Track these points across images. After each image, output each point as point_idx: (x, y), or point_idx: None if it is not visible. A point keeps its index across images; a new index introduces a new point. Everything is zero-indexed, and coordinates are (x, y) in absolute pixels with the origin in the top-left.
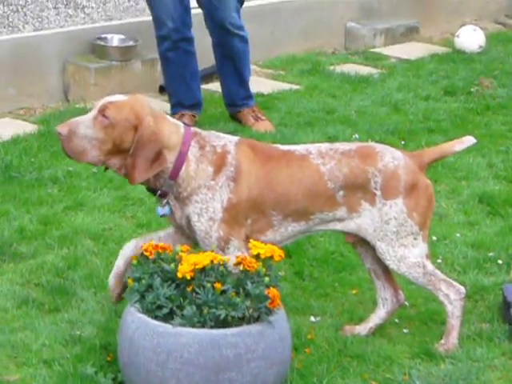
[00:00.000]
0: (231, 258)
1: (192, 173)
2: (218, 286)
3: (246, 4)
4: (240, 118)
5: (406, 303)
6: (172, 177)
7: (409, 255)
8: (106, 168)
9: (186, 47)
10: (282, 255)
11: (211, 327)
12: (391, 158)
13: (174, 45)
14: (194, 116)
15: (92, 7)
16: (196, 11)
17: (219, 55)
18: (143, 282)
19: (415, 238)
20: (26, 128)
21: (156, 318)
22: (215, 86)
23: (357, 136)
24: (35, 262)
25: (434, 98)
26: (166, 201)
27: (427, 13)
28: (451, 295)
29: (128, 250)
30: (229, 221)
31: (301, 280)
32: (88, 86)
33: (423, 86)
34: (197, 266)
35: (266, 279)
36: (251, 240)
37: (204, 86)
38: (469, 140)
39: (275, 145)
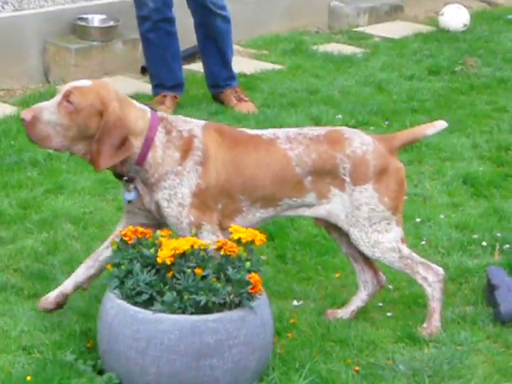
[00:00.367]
0: (207, 242)
1: (159, 159)
2: (198, 271)
3: None
4: (222, 99)
5: (390, 286)
6: (138, 163)
7: (383, 240)
8: (71, 153)
9: (167, 28)
10: (264, 239)
11: (192, 313)
12: (360, 143)
13: (154, 25)
14: (175, 97)
15: None
16: None
17: (201, 35)
18: (122, 267)
19: (388, 223)
20: (6, 110)
21: (136, 304)
22: (197, 67)
23: (340, 117)
24: (14, 246)
25: (418, 78)
26: (132, 186)
27: None
28: (429, 278)
29: (80, 271)
30: (199, 206)
31: (283, 263)
32: (69, 67)
33: (407, 66)
34: (177, 251)
35: (248, 264)
36: (232, 225)
37: (186, 67)
38: (440, 124)
39: (242, 129)
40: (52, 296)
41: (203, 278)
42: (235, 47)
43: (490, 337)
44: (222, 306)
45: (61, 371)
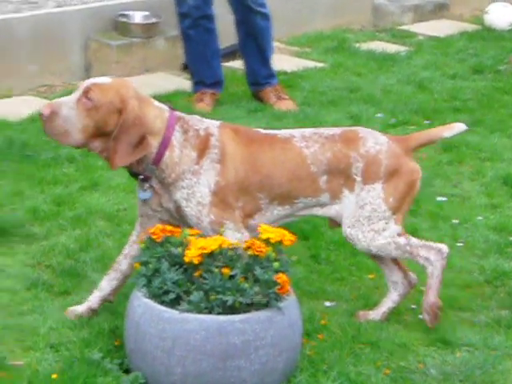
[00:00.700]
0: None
1: (176, 158)
2: (225, 271)
3: None
4: (262, 97)
5: (424, 288)
6: (155, 162)
7: (378, 238)
8: (89, 150)
9: (207, 25)
10: (293, 239)
11: (218, 313)
12: (374, 142)
13: (194, 22)
14: (215, 94)
15: None
16: None
17: (242, 33)
18: (150, 266)
19: (386, 223)
20: None
21: (163, 303)
22: (238, 64)
23: (380, 115)
24: (47, 243)
25: (461, 77)
26: (148, 185)
27: None
28: (431, 257)
29: (104, 284)
30: (219, 204)
31: (317, 263)
32: (110, 64)
33: (451, 64)
34: (204, 251)
35: (276, 264)
36: (260, 225)
37: (226, 64)
38: (459, 127)
39: (257, 129)
40: (79, 310)
41: (231, 277)
42: (278, 44)
43: None
44: (249, 307)
45: (87, 369)
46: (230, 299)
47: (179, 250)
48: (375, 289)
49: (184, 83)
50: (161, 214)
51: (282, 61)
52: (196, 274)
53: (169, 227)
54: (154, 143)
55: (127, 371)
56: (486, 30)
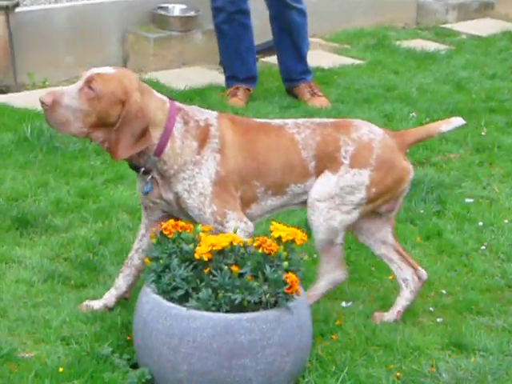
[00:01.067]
0: (237, 231)
1: (177, 149)
2: (234, 268)
3: None
4: (296, 93)
5: (443, 291)
6: (156, 153)
7: (336, 219)
8: (90, 141)
9: (242, 19)
10: (305, 238)
11: (226, 311)
12: (368, 131)
13: (229, 17)
14: (248, 90)
15: None
16: None
17: (276, 28)
18: (161, 261)
19: (354, 209)
20: None
21: (171, 299)
22: (274, 60)
23: (414, 114)
24: (67, 235)
25: (500, 77)
26: (150, 177)
27: None
28: (335, 277)
29: (119, 282)
30: (220, 194)
31: None
32: (147, 56)
33: (491, 64)
34: (214, 248)
35: (285, 264)
36: (273, 223)
37: (262, 59)
38: (457, 121)
39: (252, 118)
40: (95, 307)
41: (240, 275)
42: (319, 41)
43: None
44: (257, 306)
45: (95, 364)
46: (238, 297)
47: (190, 246)
48: (394, 290)
49: (219, 77)
50: (161, 206)
51: (320, 57)
52: (205, 270)
53: (181, 223)
54: (155, 134)
55: (135, 366)
56: None
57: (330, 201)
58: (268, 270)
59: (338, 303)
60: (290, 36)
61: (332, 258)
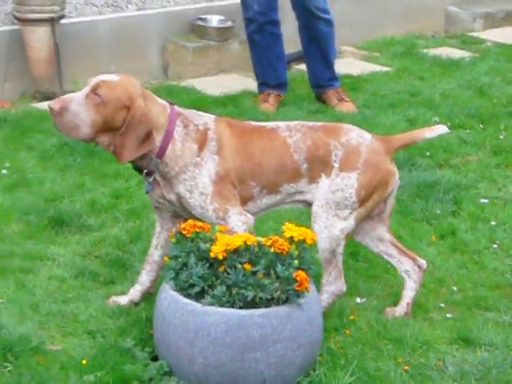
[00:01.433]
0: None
1: (178, 152)
2: (247, 267)
3: None
4: (324, 99)
5: (455, 288)
6: (158, 156)
7: (336, 225)
8: (96, 144)
9: (272, 29)
10: (315, 238)
11: (240, 308)
12: (357, 135)
13: (259, 27)
14: (279, 96)
15: None
16: None
17: (305, 38)
18: (180, 260)
19: (350, 213)
20: None
21: (188, 296)
22: (305, 67)
23: (436, 119)
24: (99, 234)
25: None
26: (152, 178)
27: None
28: (337, 288)
29: (143, 278)
30: (221, 192)
31: (354, 261)
32: (186, 65)
33: None
34: (229, 247)
35: (295, 262)
36: (285, 223)
37: (295, 67)
38: (441, 128)
39: (247, 122)
40: (121, 302)
41: (253, 273)
42: (350, 49)
43: None
44: (269, 302)
45: (117, 357)
46: (250, 294)
47: (207, 245)
48: None
49: (253, 84)
50: (165, 206)
51: (350, 64)
52: (220, 269)
53: (199, 223)
54: (157, 138)
55: (156, 359)
56: None
57: (326, 206)
58: (279, 268)
59: (353, 299)
60: (317, 45)
61: (334, 269)
